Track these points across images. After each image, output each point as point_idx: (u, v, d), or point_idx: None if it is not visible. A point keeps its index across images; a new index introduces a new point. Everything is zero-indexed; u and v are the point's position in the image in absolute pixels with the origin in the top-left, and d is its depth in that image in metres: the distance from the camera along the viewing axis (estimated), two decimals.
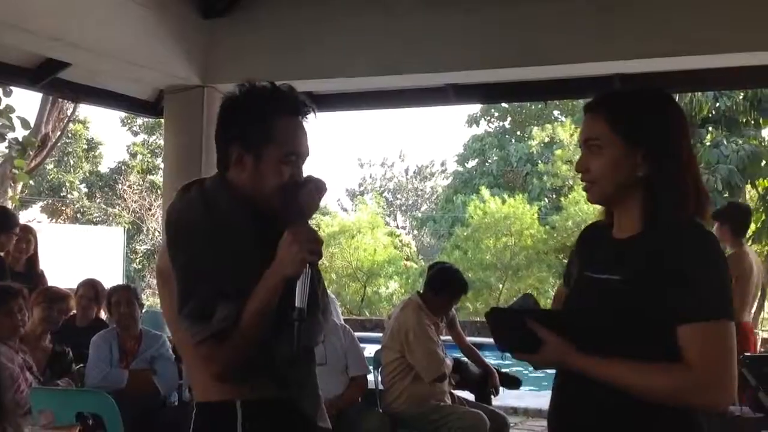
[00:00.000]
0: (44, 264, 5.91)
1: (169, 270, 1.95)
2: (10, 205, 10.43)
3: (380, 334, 5.31)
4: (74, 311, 5.17)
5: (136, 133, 27.11)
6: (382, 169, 36.12)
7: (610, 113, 1.90)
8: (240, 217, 1.97)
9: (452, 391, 4.93)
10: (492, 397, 5.20)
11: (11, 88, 8.81)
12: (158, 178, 24.94)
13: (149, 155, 26.60)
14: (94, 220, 25.81)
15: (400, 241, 26.64)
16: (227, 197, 1.98)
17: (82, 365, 4.55)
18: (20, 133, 9.63)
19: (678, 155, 1.89)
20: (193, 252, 1.91)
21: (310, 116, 2.03)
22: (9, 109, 9.04)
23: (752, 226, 14.98)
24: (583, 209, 19.74)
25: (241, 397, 1.95)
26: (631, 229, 1.91)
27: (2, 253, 5.21)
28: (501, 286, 20.10)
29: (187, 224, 1.96)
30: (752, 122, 14.69)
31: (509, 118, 28.03)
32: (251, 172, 1.98)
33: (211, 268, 1.89)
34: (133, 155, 26.78)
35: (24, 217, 16.49)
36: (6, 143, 9.64)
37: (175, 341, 2.13)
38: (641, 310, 1.79)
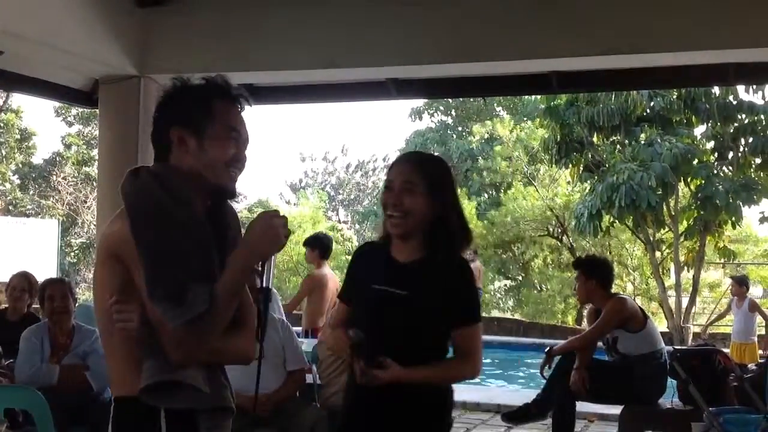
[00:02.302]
0: None
1: (125, 252, 1.90)
2: None
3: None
4: (5, 305, 5.03)
5: (70, 124, 26.50)
6: (324, 164, 36.03)
7: (423, 168, 2.52)
8: (194, 197, 1.99)
9: None
10: None
11: None
12: (94, 169, 24.41)
13: (84, 146, 26.03)
14: (27, 212, 25.15)
15: (342, 235, 26.62)
16: (178, 179, 1.99)
17: (12, 360, 4.43)
18: None
19: (457, 204, 2.58)
20: (160, 233, 1.90)
21: (246, 105, 2.09)
22: None
23: (684, 224, 15.40)
24: (521, 205, 20.02)
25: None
26: (412, 255, 2.52)
27: None
28: None
29: (149, 205, 1.94)
30: (685, 121, 15.05)
31: (452, 113, 28.22)
32: (195, 152, 2.00)
33: (180, 248, 1.89)
34: (68, 146, 26.18)
35: None
36: None
37: (101, 326, 2.02)
38: (424, 320, 2.44)
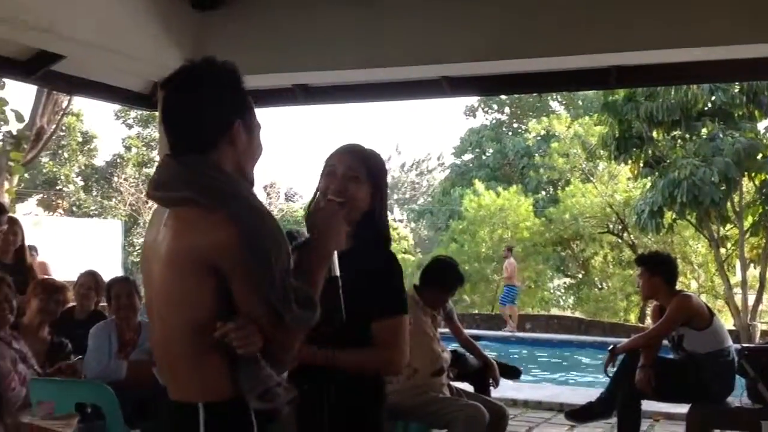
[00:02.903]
0: (43, 256, 5.89)
1: (225, 263, 1.80)
2: (6, 197, 10.40)
3: None
4: (73, 303, 5.15)
5: (130, 126, 27.10)
6: None
7: (367, 160, 2.51)
8: None
9: (451, 383, 4.92)
10: (491, 388, 5.20)
11: (4, 80, 8.80)
12: (153, 171, 24.90)
13: (144, 148, 26.58)
14: (91, 212, 25.78)
15: (398, 234, 26.66)
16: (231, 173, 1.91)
17: (81, 356, 4.53)
18: (14, 126, 9.63)
19: (386, 203, 2.60)
20: (271, 239, 1.83)
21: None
22: (2, 102, 9.02)
23: (749, 219, 15.02)
24: (580, 202, 19.78)
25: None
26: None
27: None
28: (497, 277, 20.15)
29: (252, 212, 1.84)
30: (748, 115, 14.67)
31: (507, 109, 28.02)
32: (244, 146, 1.92)
33: (280, 246, 1.84)
34: (128, 148, 26.75)
35: (20, 210, 16.45)
36: (0, 136, 9.63)
37: (180, 337, 1.88)
38: (352, 304, 2.28)
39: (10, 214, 6.33)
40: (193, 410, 1.86)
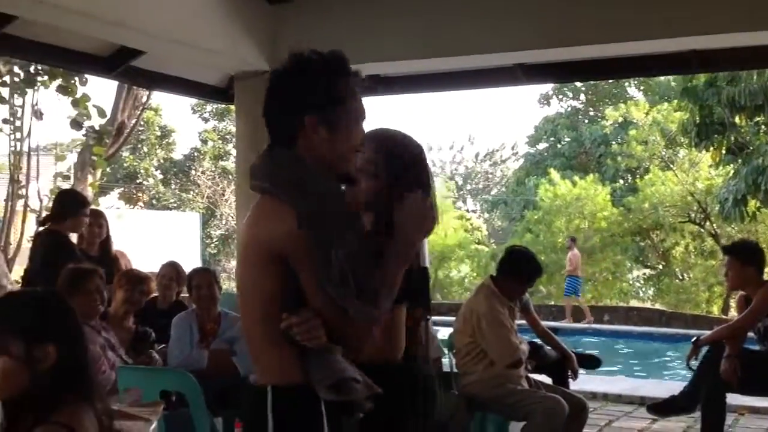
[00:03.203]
0: (126, 249, 6.05)
1: (292, 253, 1.85)
2: (90, 191, 10.71)
3: (453, 318, 5.27)
4: (155, 293, 5.28)
5: (206, 120, 27.62)
6: (451, 153, 35.96)
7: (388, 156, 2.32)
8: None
9: (529, 375, 4.86)
10: (570, 381, 5.13)
11: (86, 76, 9.06)
12: (229, 164, 25.35)
13: (220, 141, 27.05)
14: (170, 205, 26.40)
15: (471, 224, 26.54)
16: (313, 167, 1.95)
17: (164, 345, 4.64)
18: (96, 121, 9.92)
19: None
20: (332, 228, 1.86)
21: (361, 83, 2.05)
22: (85, 98, 9.29)
23: None
24: (659, 191, 19.31)
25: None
26: None
27: (74, 235, 5.34)
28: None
29: (321, 203, 1.88)
30: None
31: (582, 97, 27.53)
32: (326, 141, 1.96)
33: (357, 248, 1.87)
34: (205, 142, 27.28)
35: (102, 203, 16.92)
36: (83, 131, 9.93)
37: (252, 323, 1.97)
38: None
39: (95, 207, 6.53)
40: (263, 393, 1.93)
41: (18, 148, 10.56)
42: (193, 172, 25.97)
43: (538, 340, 5.21)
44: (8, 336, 1.96)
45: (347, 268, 1.83)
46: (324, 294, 1.85)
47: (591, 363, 5.36)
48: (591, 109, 27.92)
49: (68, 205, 5.28)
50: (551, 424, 4.40)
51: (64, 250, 4.98)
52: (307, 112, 1.95)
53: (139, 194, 27.24)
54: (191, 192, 26.37)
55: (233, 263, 21.23)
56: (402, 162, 2.32)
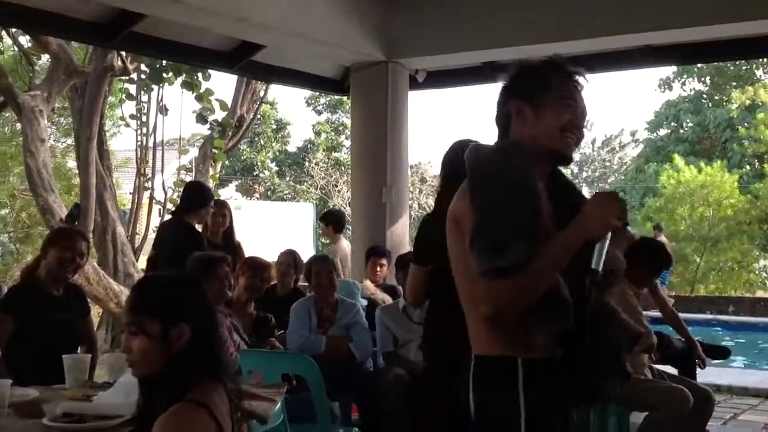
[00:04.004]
0: (243, 238, 6.23)
1: (463, 221, 2.01)
2: (210, 183, 11.09)
3: None
4: (275, 281, 5.41)
5: (319, 113, 28.03)
6: None
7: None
8: (531, 163, 2.05)
9: (652, 365, 4.72)
10: (698, 369, 4.97)
11: (209, 72, 9.37)
12: (342, 155, 25.67)
13: (333, 133, 27.42)
14: (284, 196, 26.99)
15: None
16: (516, 148, 2.08)
17: (283, 331, 4.76)
18: (219, 114, 10.25)
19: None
20: (491, 192, 1.98)
21: (583, 81, 2.16)
22: (209, 93, 9.61)
23: None
24: None
25: (522, 354, 1.99)
26: None
27: (200, 226, 5.54)
28: (698, 258, 19.09)
29: (484, 169, 2.04)
30: None
31: (707, 79, 26.37)
32: (531, 120, 2.10)
33: (507, 206, 1.95)
34: (318, 134, 27.70)
35: (222, 195, 17.46)
36: (208, 125, 10.27)
37: (463, 289, 2.10)
38: None
39: (219, 198, 6.76)
40: (470, 360, 2.07)
41: (144, 143, 11.04)
42: (306, 163, 26.43)
43: (664, 331, 5.07)
44: (146, 316, 2.06)
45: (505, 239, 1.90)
46: (473, 254, 1.95)
47: (720, 353, 5.19)
48: (716, 92, 26.72)
49: (196, 196, 5.49)
50: (675, 416, 4.26)
51: (193, 238, 5.19)
52: (512, 98, 2.14)
53: (256, 186, 27.98)
54: (305, 183, 26.85)
55: None
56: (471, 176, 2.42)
